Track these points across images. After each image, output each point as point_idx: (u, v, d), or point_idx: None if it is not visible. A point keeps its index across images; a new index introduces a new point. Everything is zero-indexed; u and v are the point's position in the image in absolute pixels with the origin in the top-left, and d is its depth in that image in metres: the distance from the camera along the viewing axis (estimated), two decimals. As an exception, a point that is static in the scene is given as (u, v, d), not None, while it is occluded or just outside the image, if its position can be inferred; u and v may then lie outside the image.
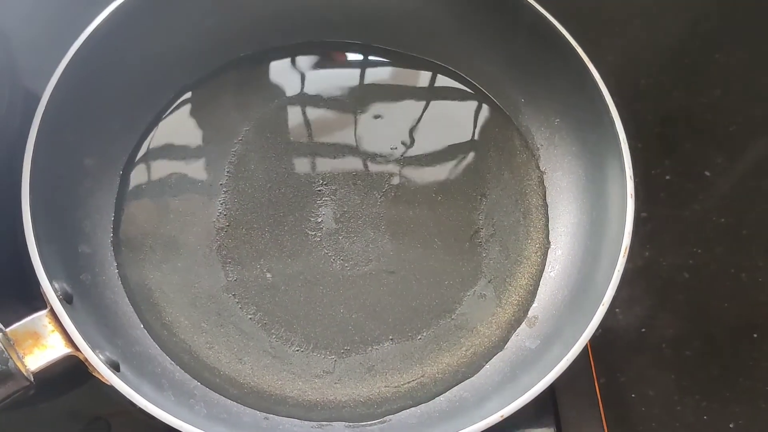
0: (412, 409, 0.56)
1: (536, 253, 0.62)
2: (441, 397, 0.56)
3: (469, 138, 0.66)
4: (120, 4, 0.55)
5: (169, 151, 0.62)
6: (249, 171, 0.62)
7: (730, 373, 0.66)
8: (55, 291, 0.48)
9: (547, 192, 0.64)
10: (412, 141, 0.65)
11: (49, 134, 0.52)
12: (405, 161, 0.64)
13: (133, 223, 0.60)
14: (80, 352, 0.47)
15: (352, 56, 0.68)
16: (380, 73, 0.67)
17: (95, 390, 0.55)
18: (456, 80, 0.67)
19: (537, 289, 0.61)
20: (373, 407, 0.56)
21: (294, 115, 0.65)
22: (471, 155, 0.65)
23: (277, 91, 0.66)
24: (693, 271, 0.69)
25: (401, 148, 0.64)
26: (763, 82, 0.77)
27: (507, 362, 0.57)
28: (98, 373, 0.47)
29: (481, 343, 0.59)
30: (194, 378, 0.55)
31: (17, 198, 0.50)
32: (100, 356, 0.48)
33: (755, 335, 0.67)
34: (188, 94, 0.64)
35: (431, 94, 0.67)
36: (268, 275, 0.59)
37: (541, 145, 0.65)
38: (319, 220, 0.61)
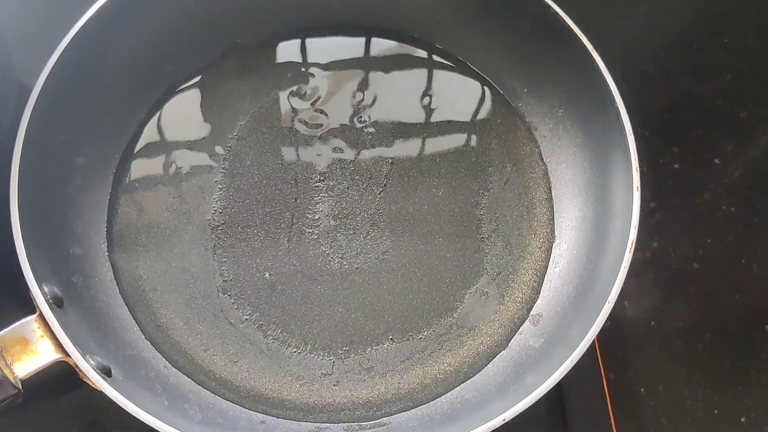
0: (413, 410, 0.55)
1: (540, 248, 0.61)
2: (442, 399, 0.55)
3: (471, 129, 0.64)
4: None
5: (162, 148, 0.61)
6: (244, 167, 0.61)
7: (742, 366, 0.65)
8: (45, 295, 0.47)
9: (551, 185, 0.62)
10: (413, 133, 0.63)
11: (38, 132, 0.51)
12: (405, 155, 0.63)
13: (126, 222, 0.59)
14: (70, 357, 0.46)
15: (353, 44, 0.67)
16: (380, 63, 0.66)
17: (91, 393, 0.53)
18: (458, 69, 0.66)
19: (541, 286, 0.59)
20: (373, 409, 0.55)
21: (290, 108, 0.64)
22: (473, 147, 0.63)
23: (272, 83, 0.64)
24: (703, 262, 0.68)
25: (401, 142, 0.63)
26: (774, 66, 0.75)
27: (510, 362, 0.56)
28: (89, 379, 0.46)
29: (483, 342, 0.58)
30: (189, 381, 0.54)
31: (5, 199, 0.49)
32: (91, 361, 0.47)
33: (767, 327, 0.65)
34: (181, 89, 0.63)
35: (433, 84, 0.65)
36: (265, 274, 0.58)
37: (545, 137, 0.63)
38: (317, 217, 0.60)
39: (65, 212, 0.56)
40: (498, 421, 0.46)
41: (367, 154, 0.63)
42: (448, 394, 0.56)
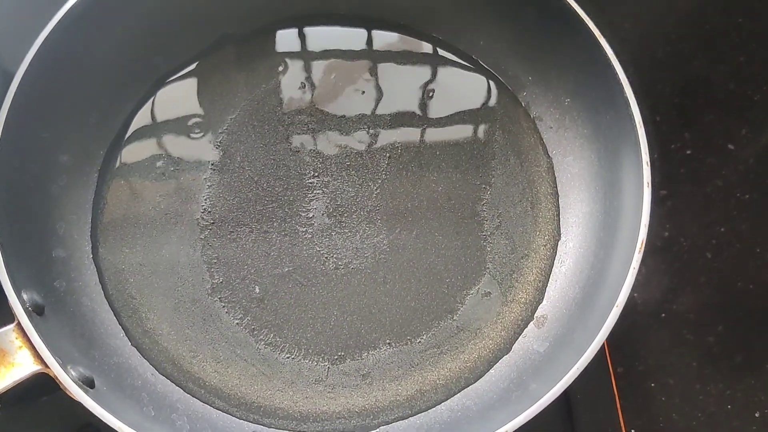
0: (411, 419, 0.54)
1: (545, 246, 0.59)
2: (442, 406, 0.54)
3: (472, 121, 0.62)
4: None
5: (149, 145, 0.60)
6: (235, 163, 0.60)
7: (756, 359, 0.65)
8: (24, 303, 0.46)
9: (557, 179, 0.60)
10: (412, 126, 0.62)
11: (18, 130, 0.50)
12: (403, 149, 0.61)
13: (111, 223, 0.57)
14: (50, 369, 0.45)
15: (349, 36, 0.64)
16: (378, 55, 0.64)
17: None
18: (459, 59, 0.64)
19: (546, 286, 0.58)
20: (369, 417, 0.54)
21: (282, 101, 0.62)
22: (474, 140, 0.62)
23: (264, 75, 0.62)
24: (716, 251, 0.67)
25: (399, 135, 0.61)
26: (789, 47, 0.74)
27: (513, 367, 0.55)
28: (70, 391, 0.45)
29: (485, 346, 0.56)
30: (177, 389, 0.53)
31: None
32: (72, 372, 0.46)
33: (782, 318, 0.64)
34: (169, 82, 0.62)
35: (433, 74, 0.64)
36: (256, 277, 0.57)
37: (551, 128, 0.62)
38: (311, 215, 0.59)
39: (47, 213, 0.54)
40: (500, 433, 0.45)
41: (363, 148, 0.61)
42: (448, 401, 0.54)
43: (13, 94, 0.49)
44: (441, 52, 0.64)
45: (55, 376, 0.45)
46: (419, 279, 0.57)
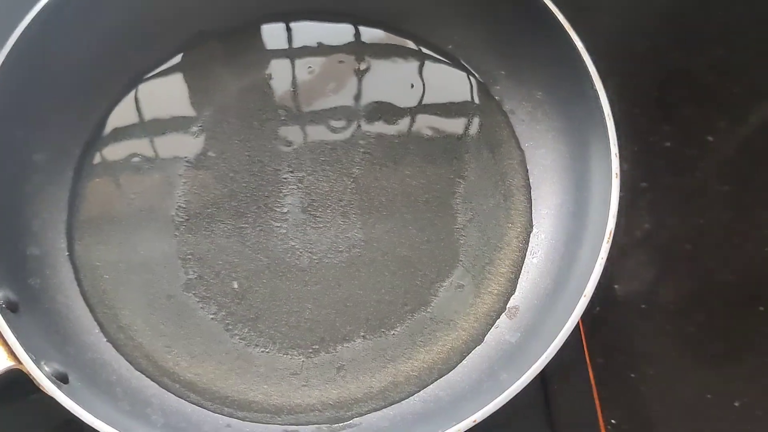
0: (385, 410, 0.54)
1: (518, 237, 0.59)
2: (415, 397, 0.54)
3: (445, 115, 0.62)
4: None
5: (124, 142, 0.60)
6: (209, 160, 0.60)
7: (735, 349, 0.65)
8: None
9: (529, 172, 0.61)
10: (385, 121, 0.62)
11: None
12: (377, 143, 0.61)
13: (86, 220, 0.57)
14: (23, 365, 0.45)
15: (324, 31, 0.64)
16: (350, 50, 0.64)
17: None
18: (432, 54, 0.64)
19: (518, 278, 0.58)
20: (343, 409, 0.54)
21: (257, 98, 0.62)
22: (448, 134, 0.62)
23: (238, 72, 0.63)
24: (695, 242, 0.67)
25: (373, 129, 0.61)
26: (767, 39, 0.74)
27: (485, 357, 0.55)
28: (43, 387, 0.45)
29: (458, 337, 0.56)
30: (152, 384, 0.53)
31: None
32: (46, 368, 0.46)
33: (761, 308, 0.65)
34: (144, 79, 0.61)
35: (406, 70, 0.64)
36: (231, 272, 0.57)
37: (523, 121, 0.62)
38: (285, 210, 0.59)
39: (22, 211, 0.54)
40: (468, 422, 0.46)
41: (337, 143, 0.61)
42: (421, 392, 0.54)
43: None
44: (415, 47, 0.64)
45: (28, 372, 0.45)
46: (393, 272, 0.58)
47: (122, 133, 0.60)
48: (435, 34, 0.64)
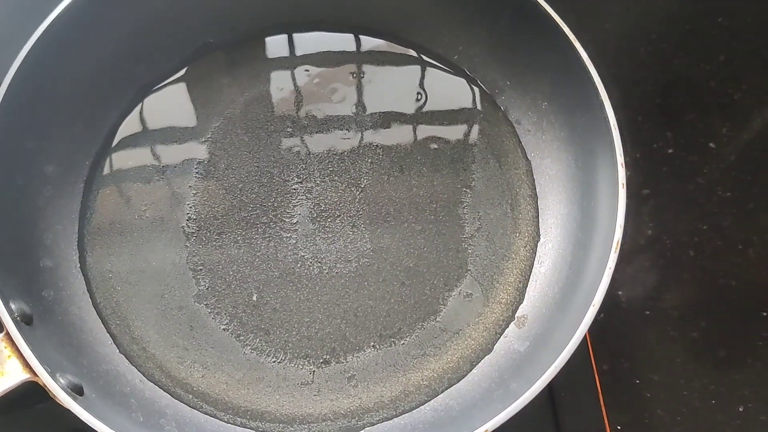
0: (396, 419, 0.54)
1: (525, 247, 0.59)
2: (426, 406, 0.54)
3: (452, 126, 0.63)
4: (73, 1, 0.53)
5: (134, 153, 0.60)
6: (219, 171, 0.60)
7: (739, 354, 0.65)
8: (12, 313, 0.47)
9: (535, 181, 0.61)
10: (393, 131, 0.62)
11: (3, 142, 0.51)
12: (385, 153, 0.61)
13: (98, 231, 0.58)
14: (39, 377, 0.45)
15: (331, 42, 0.65)
16: (358, 61, 0.64)
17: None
18: (438, 64, 0.64)
19: (526, 287, 0.58)
20: (354, 419, 0.54)
21: (264, 109, 0.62)
22: (454, 144, 0.62)
23: (245, 83, 0.63)
24: (698, 249, 0.67)
25: (380, 140, 0.62)
26: (769, 46, 0.74)
27: (495, 366, 0.55)
28: (59, 399, 0.45)
29: (467, 347, 0.57)
30: (165, 395, 0.53)
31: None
32: (61, 380, 0.46)
33: (764, 313, 0.65)
34: (153, 91, 0.62)
35: (413, 81, 0.64)
36: (242, 282, 0.57)
37: (529, 131, 0.62)
38: (295, 221, 0.59)
39: (34, 224, 0.55)
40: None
41: (344, 153, 0.61)
42: (432, 401, 0.55)
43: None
44: (421, 57, 0.65)
45: (44, 384, 0.45)
46: (402, 282, 0.58)
47: (131, 145, 0.61)
48: (440, 44, 0.65)
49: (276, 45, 0.65)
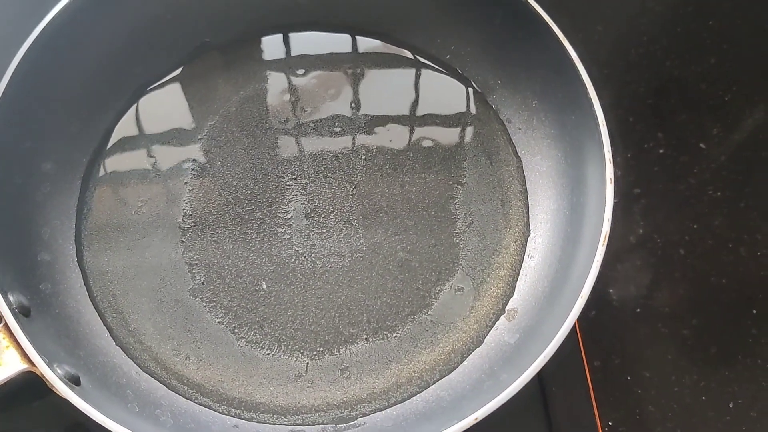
0: (388, 410, 0.54)
1: (515, 242, 0.60)
2: (417, 397, 0.55)
3: (444, 123, 0.63)
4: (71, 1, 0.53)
5: (130, 151, 0.61)
6: (214, 167, 0.61)
7: (729, 351, 0.65)
8: (10, 305, 0.47)
9: (526, 178, 0.62)
10: (385, 129, 0.63)
11: (1, 140, 0.51)
12: (378, 151, 0.62)
13: (95, 227, 0.58)
14: (36, 367, 0.46)
15: (324, 42, 0.66)
16: (351, 60, 0.65)
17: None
18: (430, 63, 0.65)
19: (516, 281, 0.59)
20: (347, 410, 0.55)
21: (259, 107, 0.63)
22: (446, 142, 0.63)
23: (240, 82, 0.64)
24: (689, 247, 0.67)
25: (373, 137, 0.62)
26: (758, 48, 0.75)
27: (485, 358, 0.56)
28: (56, 388, 0.46)
29: (458, 339, 0.57)
30: (161, 386, 0.54)
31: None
32: (58, 371, 0.47)
33: (754, 311, 0.65)
34: (149, 90, 0.63)
35: (405, 79, 0.65)
36: (237, 277, 0.58)
37: (520, 129, 0.63)
38: (289, 216, 0.60)
39: (32, 219, 0.55)
40: (470, 420, 0.46)
41: (338, 151, 0.62)
42: (423, 392, 0.55)
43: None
44: (412, 56, 0.65)
45: (41, 374, 0.46)
46: (395, 276, 0.58)
47: (128, 143, 0.61)
48: (432, 44, 0.65)
49: (271, 45, 0.65)
